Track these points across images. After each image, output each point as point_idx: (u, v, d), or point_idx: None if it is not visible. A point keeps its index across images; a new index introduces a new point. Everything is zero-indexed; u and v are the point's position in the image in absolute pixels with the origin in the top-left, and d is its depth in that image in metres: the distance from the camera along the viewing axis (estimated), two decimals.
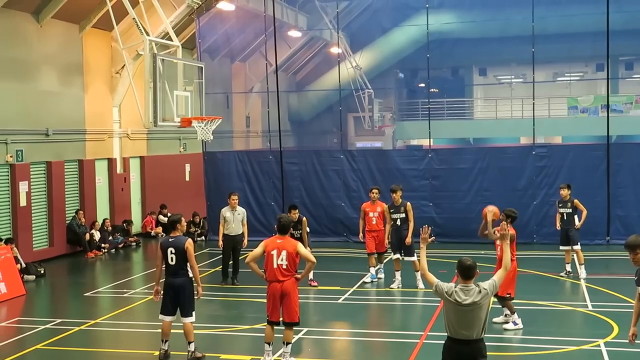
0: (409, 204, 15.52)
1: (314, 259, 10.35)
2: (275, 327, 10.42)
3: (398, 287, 15.43)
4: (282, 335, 10.40)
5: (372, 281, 16.08)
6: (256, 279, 13.84)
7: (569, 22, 28.15)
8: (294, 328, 10.54)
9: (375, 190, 16.24)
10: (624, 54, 35.03)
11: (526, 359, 10.83)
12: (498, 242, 11.76)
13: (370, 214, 16.07)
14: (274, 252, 10.19)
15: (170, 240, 10.72)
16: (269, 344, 10.36)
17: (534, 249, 19.58)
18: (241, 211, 16.30)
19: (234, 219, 16.08)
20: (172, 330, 10.83)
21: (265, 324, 10.47)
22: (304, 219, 15.50)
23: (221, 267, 16.54)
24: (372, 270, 16.18)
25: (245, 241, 16.29)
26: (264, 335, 10.51)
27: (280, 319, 10.35)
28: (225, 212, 16.11)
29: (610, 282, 15.48)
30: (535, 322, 12.48)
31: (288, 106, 34.17)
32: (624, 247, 7.99)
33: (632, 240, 7.88)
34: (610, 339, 11.40)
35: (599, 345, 11.09)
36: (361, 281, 16.11)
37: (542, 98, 29.98)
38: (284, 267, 10.17)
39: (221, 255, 16.65)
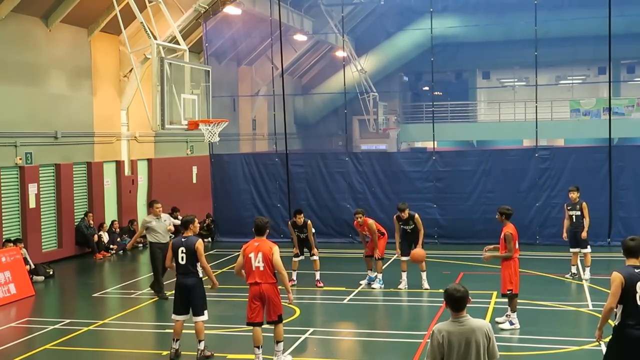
0: (417, 215, 15.55)
1: (284, 272, 10.19)
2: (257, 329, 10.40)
3: (405, 288, 15.58)
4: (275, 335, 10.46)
5: None
6: None
7: (572, 26, 28.24)
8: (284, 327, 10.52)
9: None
10: (625, 57, 35.18)
11: (528, 359, 10.96)
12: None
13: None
14: (252, 255, 10.12)
15: (182, 240, 10.91)
16: (258, 347, 10.35)
17: (536, 249, 19.70)
18: (166, 217, 15.49)
19: (160, 226, 15.08)
20: (183, 330, 10.98)
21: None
22: (309, 222, 15.94)
23: (154, 281, 15.53)
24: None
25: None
26: (271, 335, 10.55)
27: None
28: (151, 220, 15.12)
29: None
30: (538, 322, 12.62)
31: (294, 109, 34.47)
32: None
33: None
34: None
35: (599, 345, 11.25)
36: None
37: (545, 101, 30.19)
38: (261, 269, 10.08)
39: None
